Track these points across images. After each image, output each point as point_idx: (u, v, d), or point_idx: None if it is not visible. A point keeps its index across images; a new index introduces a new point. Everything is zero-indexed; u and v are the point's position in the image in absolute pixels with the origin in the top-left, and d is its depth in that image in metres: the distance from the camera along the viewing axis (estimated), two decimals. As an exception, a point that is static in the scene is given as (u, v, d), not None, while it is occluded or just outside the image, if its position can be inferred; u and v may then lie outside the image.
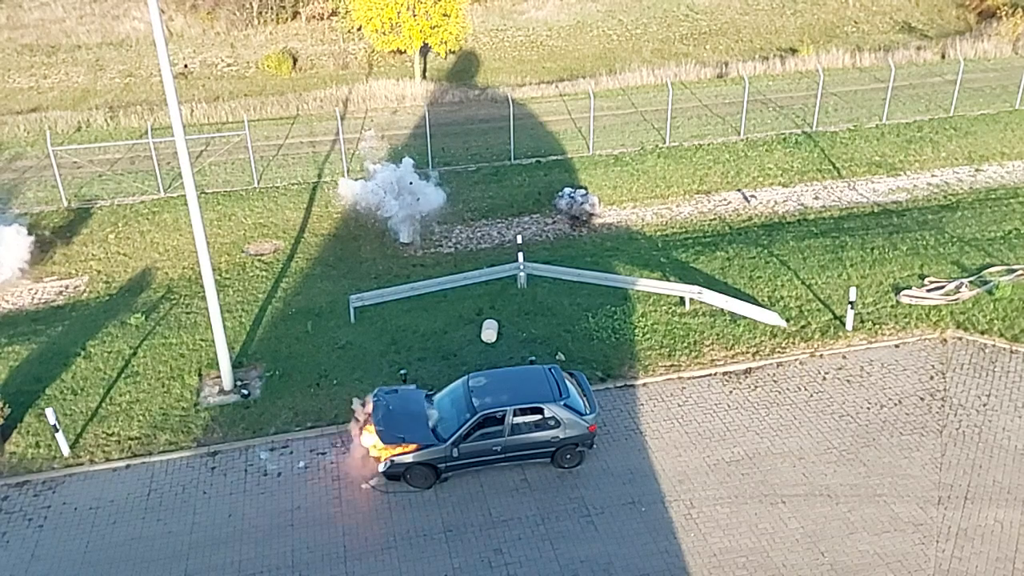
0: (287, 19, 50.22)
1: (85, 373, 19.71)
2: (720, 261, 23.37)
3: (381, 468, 16.03)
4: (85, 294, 24.25)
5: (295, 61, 46.03)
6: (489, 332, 20.10)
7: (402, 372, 18.85)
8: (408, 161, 28.16)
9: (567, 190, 28.45)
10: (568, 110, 36.68)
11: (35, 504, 16.21)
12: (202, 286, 18.68)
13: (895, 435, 17.02)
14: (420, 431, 16.14)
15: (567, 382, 16.75)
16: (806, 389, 18.47)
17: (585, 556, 14.60)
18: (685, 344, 19.86)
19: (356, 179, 28.70)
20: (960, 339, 19.81)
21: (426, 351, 19.81)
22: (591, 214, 27.54)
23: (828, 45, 44.87)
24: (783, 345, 19.77)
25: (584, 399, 16.63)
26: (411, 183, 27.10)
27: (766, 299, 21.34)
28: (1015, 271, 21.68)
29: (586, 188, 29.02)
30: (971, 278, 21.54)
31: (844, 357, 19.39)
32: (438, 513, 15.51)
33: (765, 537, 14.90)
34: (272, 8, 49.89)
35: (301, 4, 50.56)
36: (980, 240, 23.79)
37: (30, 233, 25.91)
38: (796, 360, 19.35)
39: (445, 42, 41.11)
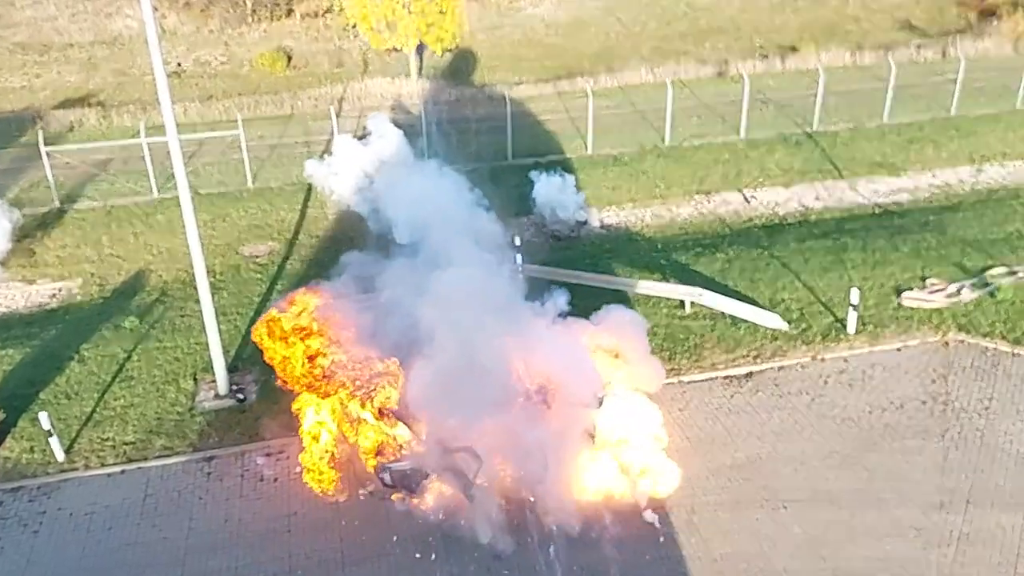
0: (281, 16, 49.97)
1: (79, 377, 19.53)
2: (720, 263, 23.21)
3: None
4: (78, 297, 24.07)
5: (289, 59, 45.81)
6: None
7: None
8: (380, 117, 26.21)
9: (540, 180, 26.53)
10: (566, 109, 36.47)
11: (30, 510, 16.04)
12: (196, 289, 18.49)
13: (897, 439, 16.87)
14: None
15: None
16: (808, 393, 18.30)
17: (585, 562, 14.42)
18: (685, 347, 19.71)
19: (322, 158, 27.73)
20: (962, 342, 19.66)
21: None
22: (579, 224, 26.54)
23: (828, 43, 44.67)
24: (784, 348, 19.62)
25: None
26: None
27: (767, 301, 21.19)
28: (1016, 273, 21.57)
29: (566, 173, 27.72)
30: (973, 280, 21.42)
31: (846, 360, 19.23)
32: (436, 520, 15.24)
33: (767, 542, 14.75)
34: (266, 5, 49.66)
35: (296, 1, 50.31)
36: (982, 241, 23.64)
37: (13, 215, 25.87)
38: (798, 364, 19.19)
39: (441, 40, 40.89)
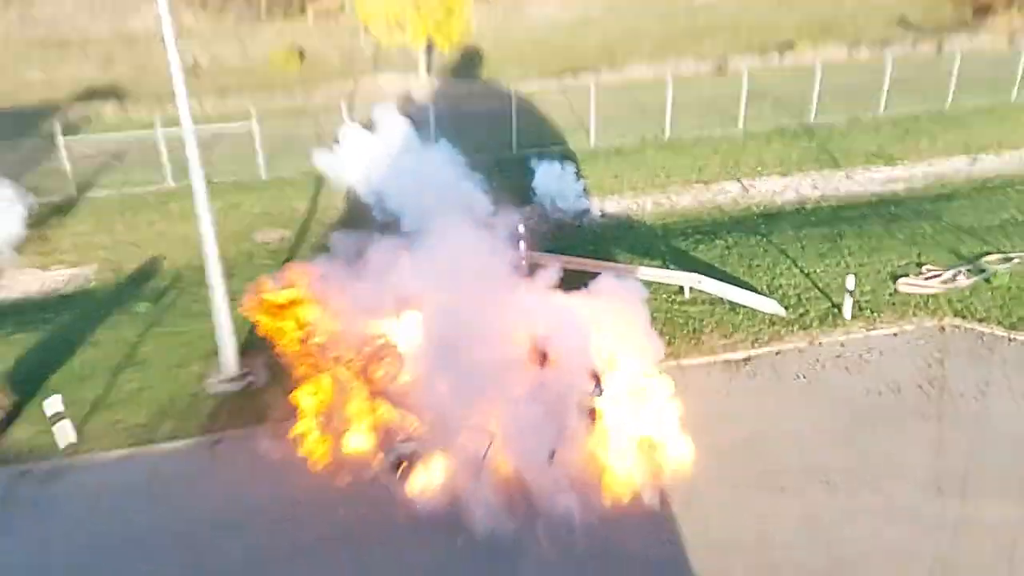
0: (295, 15, 50.53)
1: (92, 361, 19.83)
2: (719, 249, 23.50)
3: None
4: (93, 282, 24.43)
5: (303, 56, 46.21)
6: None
7: None
8: (387, 107, 26.42)
9: (540, 169, 26.84)
10: (570, 104, 36.75)
11: (41, 491, 16.27)
12: (208, 274, 18.77)
13: (894, 423, 17.10)
14: None
15: None
16: (805, 377, 18.57)
17: (585, 544, 14.54)
18: (684, 332, 20.00)
19: (330, 149, 27.96)
20: (958, 327, 19.92)
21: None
22: (581, 212, 26.78)
23: (825, 39, 44.90)
24: (782, 333, 19.89)
25: None
26: None
27: (765, 287, 21.48)
28: (1011, 259, 21.81)
29: (565, 162, 28.09)
30: (968, 266, 21.66)
31: (842, 345, 19.47)
32: (444, 501, 15.32)
33: (764, 526, 14.92)
34: (281, 4, 50.23)
35: (309, 0, 50.87)
36: (977, 228, 23.89)
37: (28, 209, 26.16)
38: (795, 348, 19.45)
39: (449, 38, 41.29)
